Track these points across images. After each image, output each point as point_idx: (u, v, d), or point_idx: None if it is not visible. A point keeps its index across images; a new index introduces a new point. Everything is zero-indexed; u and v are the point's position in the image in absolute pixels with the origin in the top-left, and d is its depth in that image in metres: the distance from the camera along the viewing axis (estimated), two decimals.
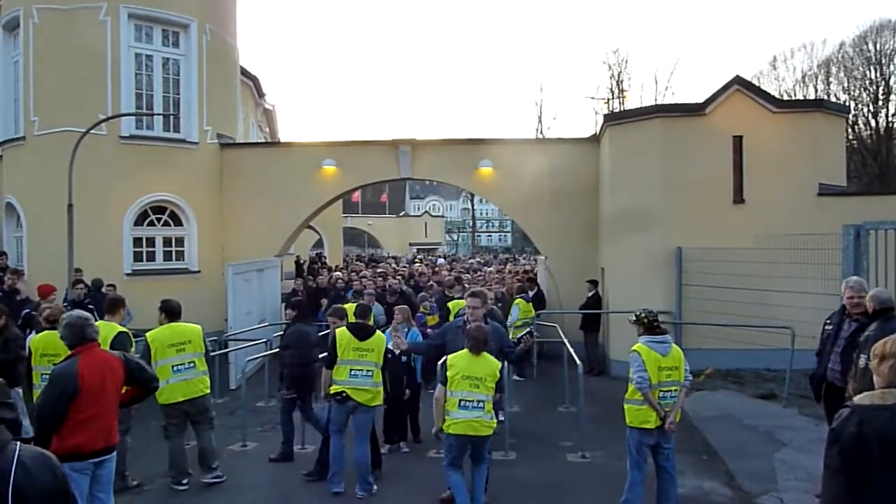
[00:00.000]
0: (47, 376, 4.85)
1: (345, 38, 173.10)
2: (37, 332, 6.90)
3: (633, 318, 6.03)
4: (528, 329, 12.28)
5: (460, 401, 5.77)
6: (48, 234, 13.30)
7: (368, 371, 6.71)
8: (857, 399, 2.94)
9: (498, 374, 5.93)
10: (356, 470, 6.72)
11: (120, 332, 6.63)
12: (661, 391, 5.68)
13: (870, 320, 5.59)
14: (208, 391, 7.14)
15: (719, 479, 7.08)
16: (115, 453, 4.99)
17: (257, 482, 7.24)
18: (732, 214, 11.96)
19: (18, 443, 1.97)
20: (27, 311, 9.65)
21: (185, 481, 6.92)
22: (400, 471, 7.54)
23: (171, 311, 7.14)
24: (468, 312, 6.67)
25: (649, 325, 5.91)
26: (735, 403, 10.07)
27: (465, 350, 5.96)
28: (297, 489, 7.01)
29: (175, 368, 6.91)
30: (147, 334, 7.09)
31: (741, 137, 12.05)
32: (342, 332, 6.80)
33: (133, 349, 7.08)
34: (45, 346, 6.26)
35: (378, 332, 7.07)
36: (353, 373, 6.67)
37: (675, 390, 5.78)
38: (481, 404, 5.79)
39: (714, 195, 12.04)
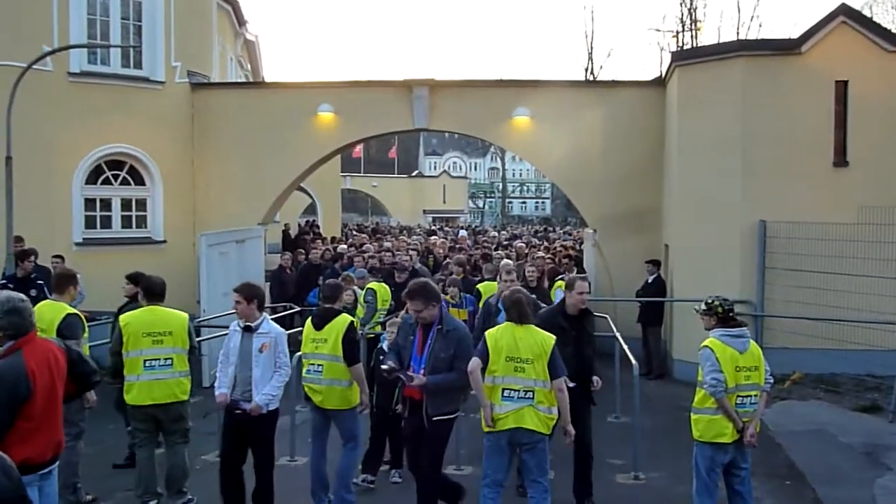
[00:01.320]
0: None
1: None
2: None
3: (703, 306, 6.08)
4: None
5: (503, 390, 5.79)
6: None
7: (319, 365, 6.74)
8: None
9: (550, 352, 5.84)
10: (336, 481, 6.87)
11: (69, 315, 6.74)
12: (738, 396, 5.75)
13: None
14: (186, 397, 7.05)
15: None
16: (57, 463, 5.07)
17: None
18: (832, 180, 11.91)
19: None
20: None
21: (152, 503, 6.94)
22: None
23: (150, 291, 7.08)
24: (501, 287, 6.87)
25: (724, 315, 5.94)
26: (828, 416, 10.13)
27: (507, 323, 6.03)
28: None
29: (148, 364, 6.83)
30: (121, 317, 7.12)
31: (846, 83, 11.94)
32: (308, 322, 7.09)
33: (86, 335, 7.24)
34: None
35: (343, 315, 7.00)
36: (307, 368, 6.83)
37: (756, 395, 5.85)
38: (529, 395, 5.78)
39: (809, 156, 11.98)
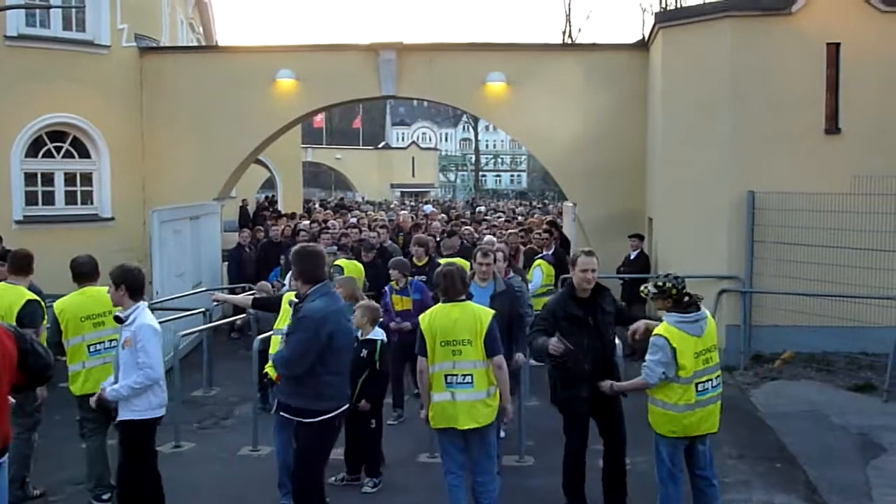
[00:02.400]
0: None
1: None
2: None
3: (653, 288, 5.98)
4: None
5: (445, 376, 5.89)
6: None
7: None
8: None
9: (486, 327, 5.90)
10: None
11: (29, 301, 6.72)
12: (698, 384, 5.78)
13: None
14: None
15: (797, 492, 7.28)
16: (6, 456, 5.06)
17: (196, 492, 7.40)
18: (824, 148, 12.00)
19: None
20: None
21: (106, 496, 6.94)
22: None
23: (80, 272, 7.05)
24: (476, 271, 6.83)
25: (678, 296, 5.88)
26: (821, 396, 10.30)
27: (440, 304, 6.10)
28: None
29: (92, 349, 6.88)
30: (55, 304, 7.06)
31: (838, 45, 12.01)
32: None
33: (45, 322, 7.22)
34: None
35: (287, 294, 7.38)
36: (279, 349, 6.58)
37: (717, 377, 5.91)
38: (468, 378, 5.86)
39: (800, 122, 12.04)
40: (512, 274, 9.13)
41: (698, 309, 5.95)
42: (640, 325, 6.34)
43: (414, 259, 10.95)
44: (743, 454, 8.27)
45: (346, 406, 5.94)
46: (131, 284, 6.08)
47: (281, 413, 5.92)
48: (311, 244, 6.23)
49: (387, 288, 10.01)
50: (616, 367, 6.77)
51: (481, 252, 7.40)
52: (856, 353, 11.53)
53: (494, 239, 10.40)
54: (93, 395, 6.69)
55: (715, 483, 6.13)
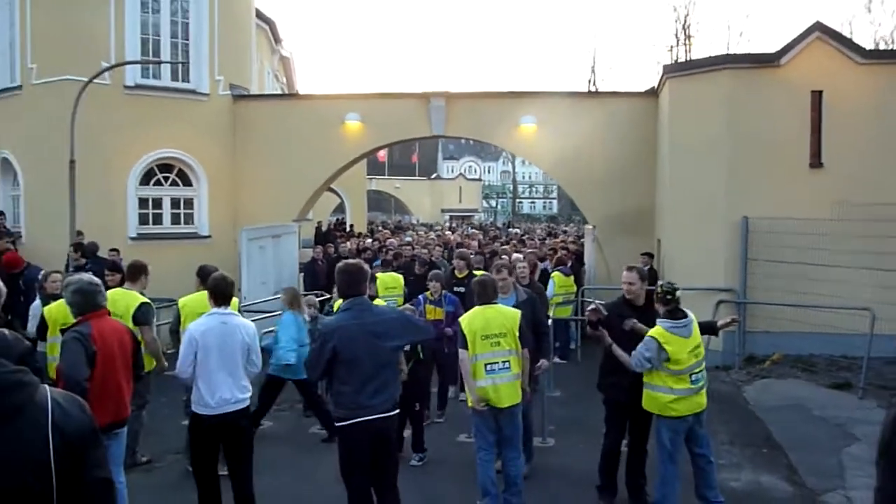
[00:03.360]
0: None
1: None
2: (43, 302, 7.24)
3: (667, 286, 6.06)
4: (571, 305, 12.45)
5: (486, 365, 5.99)
6: (47, 193, 13.83)
7: None
8: None
9: (517, 324, 6.10)
10: None
11: (143, 304, 6.92)
12: (692, 375, 5.81)
13: None
14: None
15: (779, 474, 7.22)
16: (124, 429, 5.31)
17: (274, 463, 7.56)
18: (808, 180, 11.88)
19: (47, 385, 2.23)
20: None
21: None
22: None
23: (205, 277, 7.31)
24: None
25: (673, 304, 5.96)
26: (804, 393, 10.17)
27: (476, 307, 6.21)
28: (316, 469, 7.32)
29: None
30: (179, 300, 7.44)
31: (821, 92, 11.91)
32: None
33: (156, 320, 7.49)
34: (65, 315, 6.54)
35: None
36: None
37: (702, 367, 5.96)
38: (507, 364, 6.00)
39: (788, 158, 11.96)
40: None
41: (685, 315, 6.00)
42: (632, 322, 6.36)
43: (455, 272, 10.71)
44: (734, 441, 8.21)
45: (366, 419, 4.99)
46: (213, 291, 5.86)
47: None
48: (353, 262, 5.53)
49: (421, 297, 9.33)
50: None
51: (495, 269, 7.16)
52: (836, 356, 11.36)
53: (521, 256, 10.22)
54: None
55: (713, 461, 6.11)
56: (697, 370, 5.86)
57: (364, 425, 4.98)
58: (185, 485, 6.48)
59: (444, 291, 9.21)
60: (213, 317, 5.52)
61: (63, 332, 5.28)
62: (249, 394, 5.61)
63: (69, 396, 2.25)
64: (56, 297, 7.07)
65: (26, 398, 2.10)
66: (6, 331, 4.80)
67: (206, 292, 7.19)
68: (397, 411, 5.27)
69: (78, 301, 4.98)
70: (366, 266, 5.46)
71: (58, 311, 6.66)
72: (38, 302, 7.74)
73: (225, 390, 5.37)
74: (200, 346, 5.35)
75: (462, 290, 9.68)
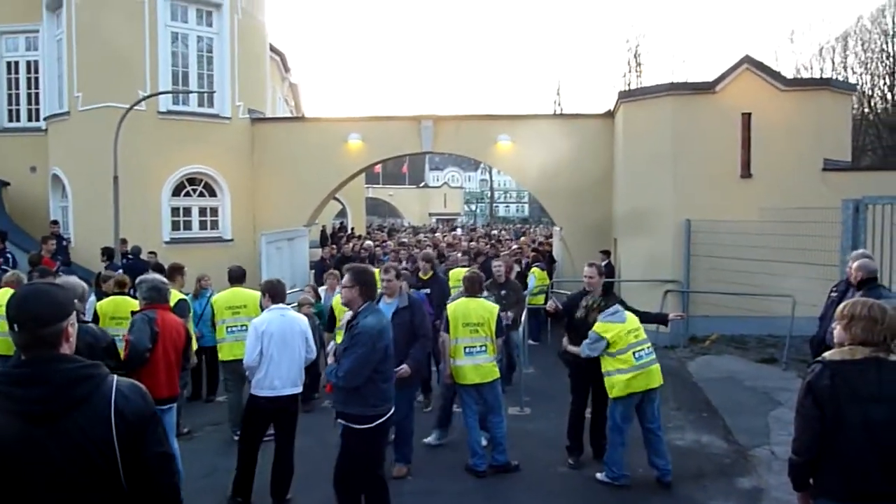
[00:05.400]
0: (118, 339, 5.31)
1: (366, 16, 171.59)
2: (98, 297, 7.41)
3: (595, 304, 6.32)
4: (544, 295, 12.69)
5: (465, 348, 6.24)
6: (92, 204, 13.89)
7: None
8: (827, 355, 3.28)
9: (494, 316, 6.33)
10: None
11: (181, 299, 7.10)
12: (635, 352, 5.96)
13: (857, 289, 5.87)
14: None
15: (717, 434, 7.47)
16: (175, 403, 5.52)
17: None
18: (740, 188, 12.13)
19: (115, 375, 2.29)
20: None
21: (239, 433, 7.29)
22: None
23: (232, 277, 7.63)
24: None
25: (603, 308, 6.21)
26: (737, 366, 10.43)
27: (462, 297, 6.45)
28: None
29: (229, 329, 7.37)
30: (212, 298, 7.74)
31: (749, 114, 12.17)
32: None
33: (191, 314, 7.67)
34: (114, 309, 6.75)
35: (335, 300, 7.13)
36: None
37: (648, 346, 6.09)
38: (484, 348, 6.26)
39: (723, 170, 12.21)
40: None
41: (614, 304, 6.26)
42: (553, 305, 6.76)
43: (420, 273, 9.15)
44: (679, 407, 8.42)
45: (393, 409, 4.85)
46: (272, 292, 5.88)
47: (338, 420, 4.72)
48: (367, 265, 5.21)
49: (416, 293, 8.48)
50: None
51: (382, 269, 6.44)
52: (764, 335, 11.68)
53: (501, 263, 9.91)
54: (232, 361, 7.16)
55: (660, 434, 6.15)
56: (638, 348, 5.99)
57: (392, 417, 4.85)
58: (227, 449, 6.70)
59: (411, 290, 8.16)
60: (273, 312, 5.56)
61: (133, 313, 5.50)
62: (302, 382, 5.69)
63: (132, 385, 2.28)
64: (107, 295, 7.24)
65: (93, 388, 2.14)
66: (94, 326, 5.06)
67: (235, 289, 7.46)
68: None
69: (153, 296, 5.25)
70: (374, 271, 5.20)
71: (108, 305, 6.86)
72: (93, 297, 7.89)
73: (285, 377, 5.42)
74: (265, 336, 5.38)
75: (427, 290, 8.57)
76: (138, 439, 2.17)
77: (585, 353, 6.09)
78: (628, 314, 6.19)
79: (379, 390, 4.65)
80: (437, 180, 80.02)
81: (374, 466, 4.78)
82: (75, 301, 3.62)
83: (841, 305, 3.34)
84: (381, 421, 4.65)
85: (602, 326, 6.04)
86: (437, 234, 24.29)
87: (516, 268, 12.06)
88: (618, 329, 6.00)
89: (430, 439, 7.03)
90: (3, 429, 2.01)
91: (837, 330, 3.30)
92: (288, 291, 13.36)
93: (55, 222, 13.99)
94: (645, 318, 6.78)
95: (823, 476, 3.23)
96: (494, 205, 75.48)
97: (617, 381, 5.94)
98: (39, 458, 2.02)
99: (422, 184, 70.21)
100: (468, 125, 16.04)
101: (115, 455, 2.12)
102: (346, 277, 4.73)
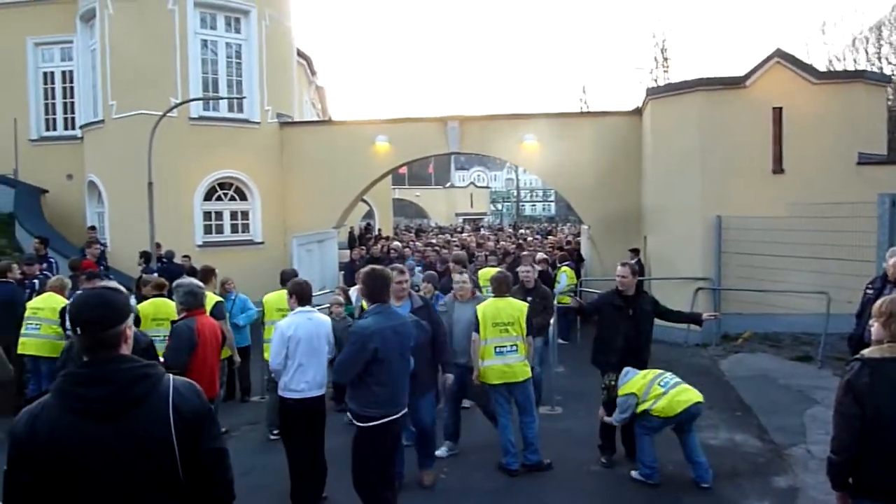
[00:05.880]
0: (159, 339, 5.44)
1: (390, 18, 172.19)
2: (138, 300, 7.58)
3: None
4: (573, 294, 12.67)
5: (495, 347, 6.28)
6: (128, 210, 14.19)
7: None
8: (866, 353, 3.26)
9: (524, 315, 6.35)
10: None
11: (218, 302, 7.22)
12: (658, 383, 6.06)
13: (894, 285, 5.78)
14: None
15: (751, 433, 7.39)
16: (214, 404, 5.64)
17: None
18: (771, 184, 12.00)
19: (170, 374, 2.38)
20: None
21: (276, 432, 7.27)
22: None
23: (284, 278, 7.60)
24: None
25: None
26: (771, 364, 10.32)
27: (491, 298, 6.49)
28: None
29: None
30: (264, 297, 7.84)
31: (781, 109, 12.03)
32: None
33: (228, 315, 7.81)
34: (154, 311, 6.91)
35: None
36: None
37: (671, 374, 6.20)
38: (514, 348, 6.28)
39: (754, 165, 12.09)
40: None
41: (625, 370, 6.28)
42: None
43: (423, 292, 8.13)
44: (713, 406, 8.20)
45: (398, 415, 4.81)
46: (298, 294, 5.78)
47: (347, 413, 4.88)
48: (379, 267, 5.09)
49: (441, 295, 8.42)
50: (646, 348, 6.56)
51: (397, 270, 6.33)
52: (798, 332, 11.51)
53: (529, 268, 9.80)
54: None
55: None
56: (660, 379, 6.06)
57: (393, 423, 4.78)
58: (263, 448, 6.84)
59: (436, 292, 8.30)
60: (299, 315, 5.53)
61: (173, 323, 5.56)
62: (326, 383, 5.69)
63: (188, 383, 2.36)
64: (146, 298, 7.41)
65: (151, 387, 2.22)
66: (134, 329, 5.18)
67: (282, 292, 7.55)
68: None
69: (190, 301, 5.32)
70: (389, 273, 5.10)
71: (149, 308, 7.03)
72: (133, 300, 8.06)
73: (311, 380, 5.38)
74: (292, 340, 5.36)
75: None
76: (195, 436, 2.26)
77: (619, 419, 6.14)
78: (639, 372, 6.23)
79: (371, 393, 4.65)
80: (464, 180, 79.97)
81: (375, 467, 4.75)
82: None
83: (878, 302, 3.31)
84: (372, 424, 4.65)
85: (624, 389, 6.10)
86: (464, 235, 24.31)
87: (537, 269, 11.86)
88: (637, 381, 6.07)
89: (440, 451, 6.73)
90: (69, 427, 2.12)
91: (875, 327, 3.28)
92: (318, 293, 13.61)
93: (93, 227, 14.31)
94: (678, 317, 6.78)
95: (863, 475, 3.21)
96: (521, 204, 75.32)
97: (660, 407, 5.89)
98: (103, 454, 2.12)
99: (448, 184, 70.19)
100: (494, 125, 16.06)
101: (174, 451, 2.21)
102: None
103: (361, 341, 4.59)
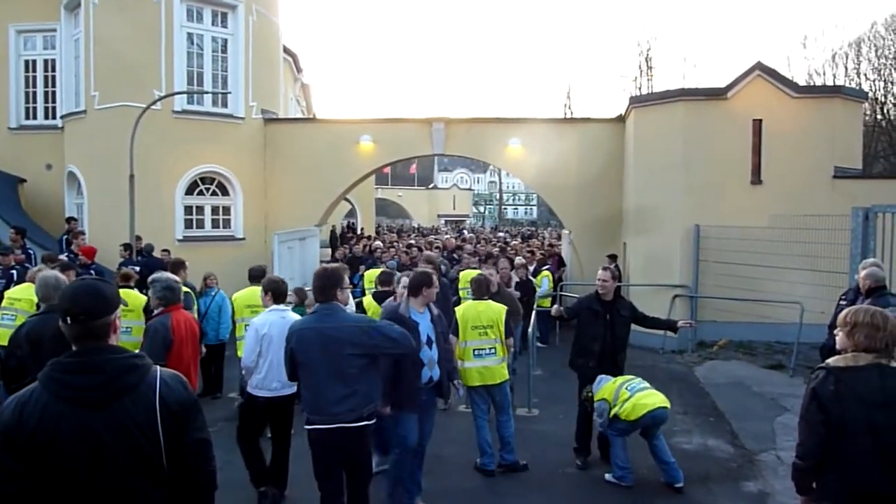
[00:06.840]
0: (122, 330, 5.39)
1: (377, 17, 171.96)
2: None
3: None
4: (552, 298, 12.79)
5: (474, 350, 6.35)
6: (107, 202, 14.05)
7: None
8: (831, 361, 3.36)
9: (503, 318, 6.43)
10: None
11: (185, 292, 7.24)
12: (626, 387, 6.21)
13: (865, 296, 5.95)
14: None
15: (724, 438, 7.54)
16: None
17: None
18: (750, 195, 12.18)
19: (157, 366, 2.42)
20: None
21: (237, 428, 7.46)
22: None
23: (251, 275, 7.86)
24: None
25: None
26: (745, 372, 10.48)
27: (470, 301, 6.58)
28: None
29: (247, 327, 7.46)
30: (233, 295, 7.92)
31: (761, 121, 12.22)
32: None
33: (196, 307, 7.81)
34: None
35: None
36: None
37: (639, 380, 6.35)
38: (493, 350, 6.37)
39: (733, 176, 12.26)
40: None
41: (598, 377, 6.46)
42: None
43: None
44: (687, 411, 8.48)
45: (328, 427, 4.32)
46: (274, 291, 5.87)
47: None
48: (331, 267, 4.80)
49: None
50: (621, 353, 6.68)
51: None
52: (772, 341, 11.73)
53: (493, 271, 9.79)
54: None
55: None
56: (628, 384, 6.20)
57: (327, 433, 4.32)
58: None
59: None
60: (272, 313, 5.54)
61: (148, 319, 5.56)
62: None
63: (175, 375, 2.42)
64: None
65: (139, 377, 2.28)
66: None
67: (254, 288, 7.58)
68: (366, 423, 4.40)
69: (167, 296, 5.26)
70: (342, 272, 4.81)
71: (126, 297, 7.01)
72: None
73: (284, 379, 5.02)
74: (265, 338, 5.38)
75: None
76: (180, 425, 2.33)
77: (600, 424, 6.30)
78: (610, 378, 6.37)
79: (303, 396, 4.49)
80: (447, 182, 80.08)
81: (317, 473, 4.47)
82: None
83: (843, 313, 3.42)
84: (307, 428, 4.41)
85: (597, 395, 6.26)
86: (445, 237, 24.37)
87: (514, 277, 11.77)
88: (608, 387, 6.21)
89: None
90: (57, 414, 2.16)
91: (840, 336, 3.39)
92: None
93: (73, 219, 14.17)
94: (655, 323, 6.91)
95: (826, 480, 3.31)
96: (503, 207, 75.55)
97: (625, 410, 6.00)
98: (92, 440, 2.17)
99: (431, 185, 70.30)
100: (479, 128, 16.11)
101: (159, 439, 2.27)
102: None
103: (286, 339, 4.49)
